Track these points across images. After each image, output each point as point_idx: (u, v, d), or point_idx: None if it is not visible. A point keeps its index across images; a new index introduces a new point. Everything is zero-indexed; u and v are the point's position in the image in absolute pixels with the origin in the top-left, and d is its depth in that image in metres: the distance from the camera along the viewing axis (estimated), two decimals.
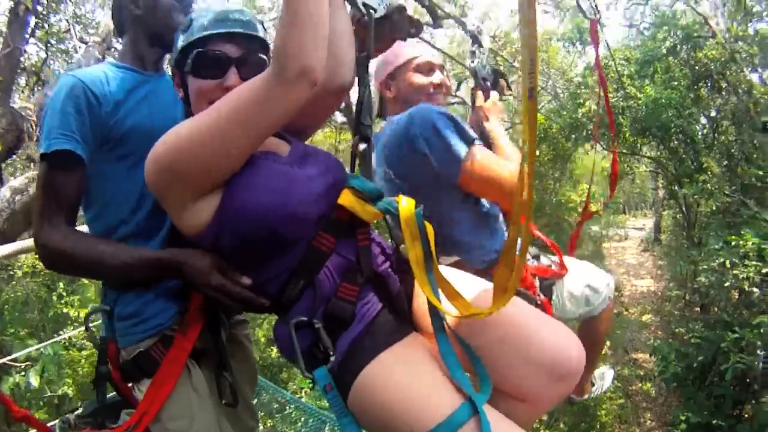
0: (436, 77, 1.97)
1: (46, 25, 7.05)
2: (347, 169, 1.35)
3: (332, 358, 1.16)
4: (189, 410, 1.50)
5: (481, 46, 2.11)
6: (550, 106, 12.98)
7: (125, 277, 1.46)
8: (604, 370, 2.82)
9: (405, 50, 2.00)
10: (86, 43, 6.30)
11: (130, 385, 1.56)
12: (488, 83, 2.05)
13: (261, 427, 3.98)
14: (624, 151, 11.95)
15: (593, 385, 2.69)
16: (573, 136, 10.49)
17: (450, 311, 1.11)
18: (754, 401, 7.10)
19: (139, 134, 1.50)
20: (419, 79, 1.96)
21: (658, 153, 11.67)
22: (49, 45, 7.78)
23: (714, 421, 7.22)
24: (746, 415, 7.39)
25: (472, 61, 2.07)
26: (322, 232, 1.23)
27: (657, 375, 9.19)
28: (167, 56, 1.68)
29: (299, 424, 3.86)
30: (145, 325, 1.50)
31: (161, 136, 1.18)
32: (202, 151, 1.13)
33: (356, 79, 1.40)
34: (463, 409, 1.06)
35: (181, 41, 1.32)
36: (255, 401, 3.92)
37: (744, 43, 8.85)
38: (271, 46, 1.16)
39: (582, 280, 2.18)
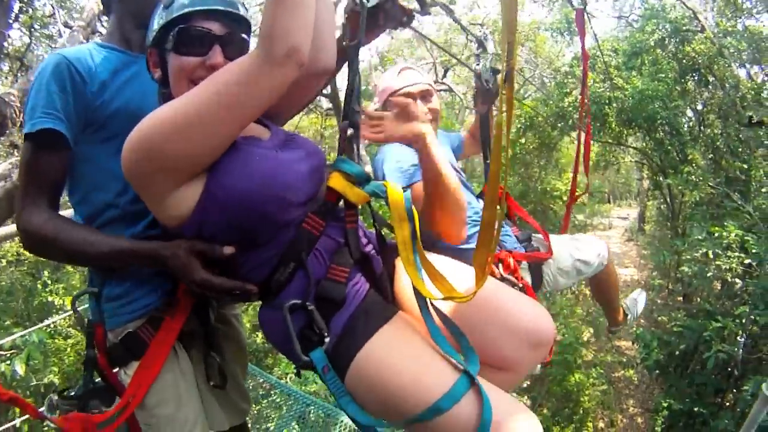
0: (422, 107, 2.05)
1: (30, 10, 6.88)
2: (336, 154, 1.34)
3: (327, 340, 1.17)
4: (176, 395, 1.50)
5: (485, 51, 2.19)
6: (537, 95, 13.02)
7: (104, 266, 1.46)
8: (635, 295, 2.97)
9: (396, 81, 2.12)
10: (70, 27, 6.16)
11: (115, 371, 1.53)
12: (490, 85, 2.13)
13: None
14: (609, 141, 12.07)
15: (626, 314, 2.86)
16: (559, 125, 10.56)
17: (433, 294, 1.16)
18: (735, 390, 7.26)
19: (125, 116, 1.45)
20: None
21: (644, 144, 11.79)
22: (32, 30, 7.62)
23: (696, 409, 7.39)
24: (727, 403, 7.57)
25: (477, 65, 2.15)
26: (312, 215, 1.25)
27: (639, 362, 9.38)
28: None
29: (284, 409, 3.93)
30: (134, 305, 1.48)
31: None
32: (185, 135, 1.09)
33: (347, 65, 1.38)
34: (462, 380, 1.11)
35: (160, 18, 1.26)
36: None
37: (732, 38, 8.93)
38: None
39: (571, 255, 2.30)
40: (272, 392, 4.23)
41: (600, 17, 21.31)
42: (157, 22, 1.27)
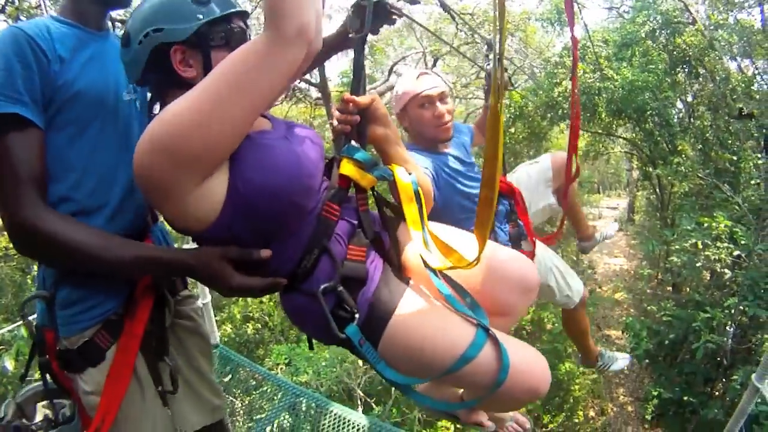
0: (437, 110, 2.19)
1: (16, 1, 6.72)
2: (343, 142, 1.40)
3: (357, 316, 1.24)
4: (141, 406, 1.44)
5: (492, 50, 2.31)
6: (527, 85, 13.05)
7: (117, 272, 1.33)
8: (619, 356, 3.18)
9: (410, 87, 2.22)
10: None
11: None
12: (499, 80, 2.15)
13: (239, 404, 3.95)
14: (599, 131, 12.12)
15: (600, 356, 3.09)
16: (549, 115, 10.60)
17: (440, 264, 1.28)
18: (724, 379, 7.39)
19: (87, 99, 1.35)
20: (423, 114, 2.20)
21: (633, 135, 11.85)
22: (19, 21, 7.46)
23: (685, 397, 7.52)
24: (717, 392, 7.70)
25: (488, 65, 2.34)
26: (328, 202, 1.30)
27: (629, 351, 9.50)
28: (110, 14, 1.54)
29: (276, 400, 3.90)
30: (93, 312, 1.39)
31: (155, 120, 1.07)
32: (206, 124, 1.05)
33: (354, 57, 1.43)
34: (480, 332, 1.24)
35: (198, 14, 1.21)
36: (231, 378, 3.95)
37: (723, 31, 8.96)
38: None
39: (550, 270, 2.54)
40: (264, 383, 4.25)
41: (591, 8, 21.31)
42: (192, 18, 1.21)
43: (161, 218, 1.47)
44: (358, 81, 1.40)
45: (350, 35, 1.44)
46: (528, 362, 1.27)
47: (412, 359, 1.27)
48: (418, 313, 1.28)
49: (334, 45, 1.77)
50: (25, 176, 1.22)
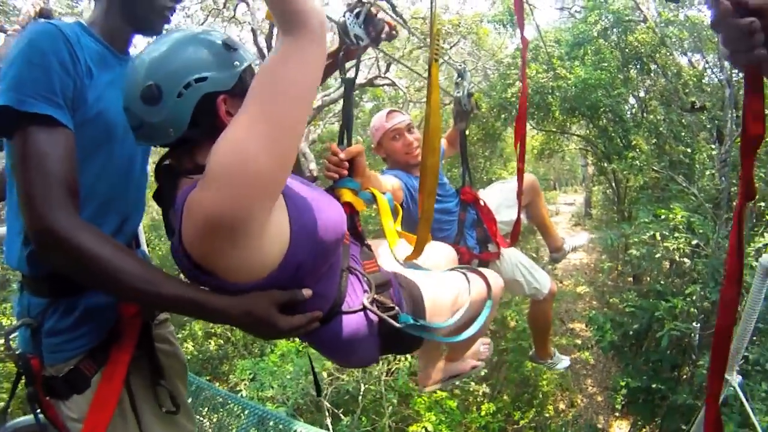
0: (406, 140, 2.64)
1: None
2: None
3: (396, 308, 1.43)
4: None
5: (464, 80, 2.65)
6: (481, 86, 13.22)
7: (152, 306, 1.31)
8: (564, 357, 3.57)
9: (382, 123, 2.67)
10: (5, 31, 5.71)
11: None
12: (467, 107, 2.67)
13: (207, 423, 4.06)
14: (553, 129, 12.37)
15: (553, 356, 3.46)
16: (502, 115, 10.76)
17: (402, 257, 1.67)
18: (691, 364, 7.59)
19: (102, 124, 1.30)
20: (395, 144, 2.66)
21: (588, 131, 12.13)
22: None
23: (654, 385, 7.69)
24: (684, 377, 7.91)
25: (457, 92, 2.67)
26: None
27: (594, 344, 9.67)
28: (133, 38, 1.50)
29: (243, 417, 3.88)
30: (81, 341, 1.36)
31: (218, 149, 0.99)
32: (274, 138, 1.00)
33: (344, 99, 1.70)
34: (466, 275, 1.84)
35: (235, 62, 1.18)
36: (194, 399, 3.89)
37: (674, 27, 9.22)
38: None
39: (516, 267, 2.87)
40: (229, 401, 4.25)
41: (543, 9, 21.82)
42: (231, 65, 1.16)
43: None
44: (347, 130, 1.65)
45: (341, 77, 1.67)
46: (493, 276, 1.91)
47: (450, 309, 1.66)
48: (434, 285, 1.65)
49: (330, 66, 1.85)
50: (57, 181, 1.13)
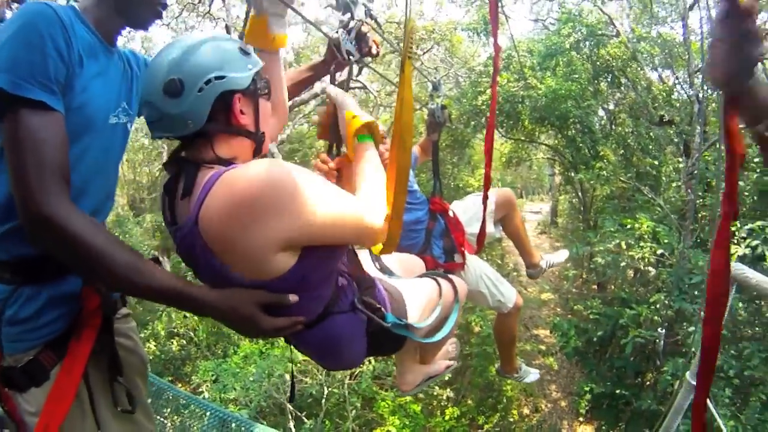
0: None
1: None
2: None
3: (382, 309, 1.49)
4: (81, 430, 1.38)
5: (438, 92, 2.69)
6: (451, 93, 13.34)
7: (139, 296, 1.25)
8: (532, 371, 3.51)
9: None
10: None
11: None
12: (440, 119, 2.70)
13: (170, 425, 4.00)
14: (522, 138, 12.54)
15: (520, 367, 3.38)
16: (472, 122, 10.87)
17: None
18: (654, 370, 7.75)
19: (85, 114, 1.26)
20: None
21: (556, 141, 12.36)
22: None
23: (618, 391, 7.84)
24: (648, 383, 8.08)
25: (432, 105, 2.68)
26: None
27: (558, 350, 9.80)
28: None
29: (205, 418, 3.87)
30: (42, 331, 1.32)
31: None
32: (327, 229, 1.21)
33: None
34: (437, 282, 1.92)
35: (248, 65, 1.26)
36: (157, 400, 3.79)
37: (646, 43, 9.46)
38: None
39: (481, 278, 2.85)
40: (191, 403, 4.14)
41: (517, 19, 22.17)
42: (245, 68, 1.25)
43: None
44: (336, 144, 1.68)
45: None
46: (458, 280, 2.02)
47: (426, 311, 1.75)
48: (410, 288, 1.75)
49: (313, 77, 1.97)
50: (51, 167, 1.12)
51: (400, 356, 2.58)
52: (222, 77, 1.19)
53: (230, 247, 1.14)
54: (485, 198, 2.47)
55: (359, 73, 1.79)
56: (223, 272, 1.17)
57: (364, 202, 1.28)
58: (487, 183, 2.44)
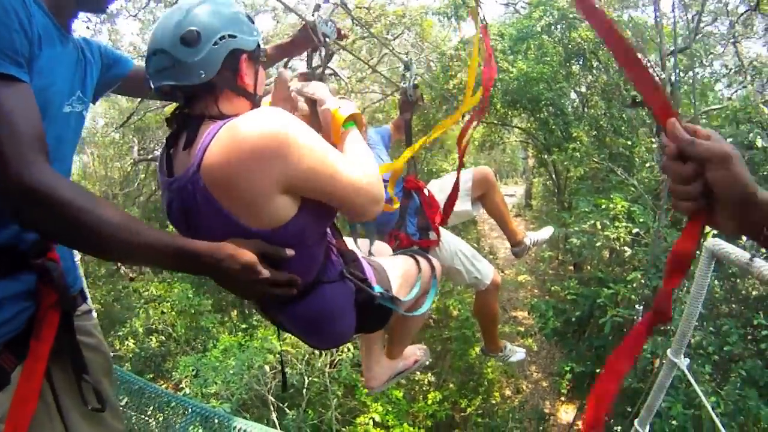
0: None
1: None
2: None
3: (367, 279, 1.57)
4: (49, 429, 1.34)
5: (410, 72, 2.65)
6: (424, 77, 13.28)
7: (136, 260, 1.28)
8: (518, 349, 3.52)
9: None
10: None
11: None
12: (412, 98, 2.67)
13: (153, 422, 3.84)
14: (495, 122, 12.57)
15: (504, 348, 3.41)
16: (444, 107, 10.85)
17: None
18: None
19: (40, 100, 1.17)
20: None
21: (529, 124, 12.42)
22: None
23: (598, 370, 7.94)
24: None
25: (403, 83, 2.65)
26: None
27: (537, 331, 9.92)
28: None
29: (187, 414, 3.81)
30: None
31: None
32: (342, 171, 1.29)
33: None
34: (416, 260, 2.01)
35: (254, 31, 1.35)
36: (139, 398, 3.72)
37: (618, 27, 9.47)
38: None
39: (456, 255, 2.84)
40: (172, 400, 4.09)
41: (488, 4, 22.13)
42: (252, 33, 1.34)
43: None
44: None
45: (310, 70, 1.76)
46: (435, 260, 2.12)
47: (407, 285, 1.84)
48: (391, 264, 1.82)
49: (277, 57, 1.99)
50: (29, 137, 1.05)
51: (368, 349, 2.59)
52: (234, 36, 1.27)
53: (234, 191, 1.17)
54: (460, 166, 2.54)
55: (329, 59, 1.78)
56: (227, 219, 1.20)
57: (362, 169, 1.33)
58: (462, 154, 2.53)
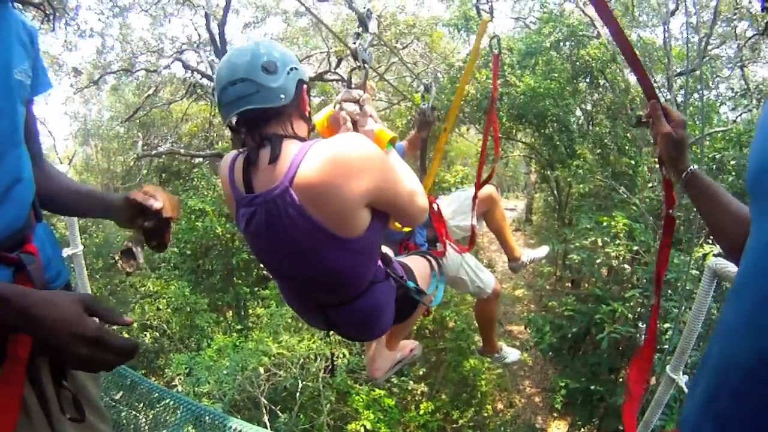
0: None
1: None
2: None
3: (404, 277, 1.82)
4: None
5: (429, 93, 2.77)
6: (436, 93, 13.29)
7: None
8: (512, 350, 3.68)
9: None
10: None
11: None
12: (429, 118, 2.77)
13: (144, 420, 3.75)
14: (499, 136, 12.57)
15: (500, 350, 3.56)
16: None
17: None
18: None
19: None
20: None
21: (533, 139, 12.43)
22: None
23: (592, 387, 7.92)
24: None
25: (424, 105, 2.74)
26: None
27: (533, 345, 9.88)
28: None
29: (179, 412, 3.74)
30: None
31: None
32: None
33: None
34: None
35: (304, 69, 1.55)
36: (130, 394, 3.67)
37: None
38: None
39: (461, 265, 2.94)
40: (164, 396, 4.02)
41: (498, 17, 22.21)
42: (297, 68, 1.51)
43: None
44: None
45: None
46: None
47: (426, 281, 2.05)
48: (412, 263, 2.00)
49: None
50: None
51: (371, 343, 2.75)
52: (296, 68, 1.49)
53: (328, 204, 1.35)
54: (478, 185, 2.71)
55: (337, 65, 2.02)
56: (318, 228, 1.37)
57: (416, 183, 1.55)
58: (479, 183, 2.72)
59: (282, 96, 1.44)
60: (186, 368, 7.86)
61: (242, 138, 1.51)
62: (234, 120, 1.49)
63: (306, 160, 1.33)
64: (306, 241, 1.40)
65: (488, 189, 3.11)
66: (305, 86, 1.54)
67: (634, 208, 7.78)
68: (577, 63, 9.83)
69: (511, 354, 3.64)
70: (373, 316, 1.75)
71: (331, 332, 1.86)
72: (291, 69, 1.47)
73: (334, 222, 1.38)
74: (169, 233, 1.44)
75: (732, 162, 7.23)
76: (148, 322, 9.94)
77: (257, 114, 1.44)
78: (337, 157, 1.32)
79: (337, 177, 1.32)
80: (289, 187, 1.33)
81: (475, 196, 2.82)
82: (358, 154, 1.34)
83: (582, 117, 11.36)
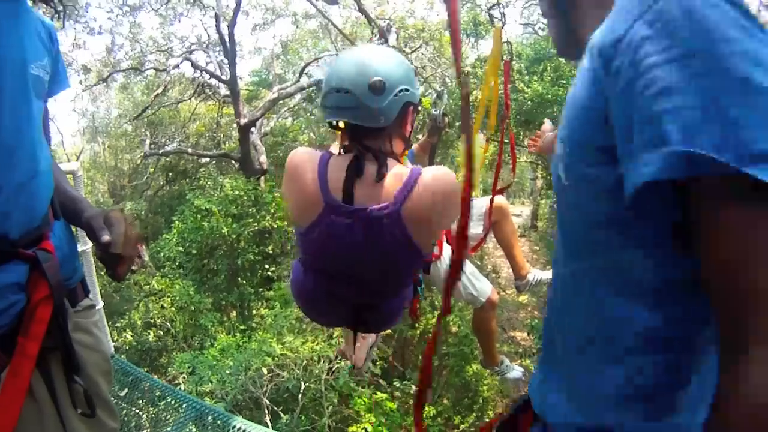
0: None
1: None
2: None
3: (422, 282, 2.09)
4: (38, 430, 1.24)
5: (441, 100, 3.10)
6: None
7: None
8: (516, 367, 3.56)
9: None
10: None
11: None
12: (441, 125, 2.86)
13: (145, 417, 3.84)
14: (506, 141, 12.58)
15: (501, 363, 3.44)
16: (457, 123, 10.88)
17: None
18: None
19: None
20: None
21: None
22: None
23: None
24: None
25: (435, 111, 2.84)
26: None
27: (536, 352, 9.85)
28: None
29: (181, 411, 3.76)
30: None
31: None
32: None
33: None
34: None
35: (418, 87, 1.55)
36: (132, 391, 3.69)
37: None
38: None
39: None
40: (167, 394, 4.04)
41: (508, 23, 22.28)
42: (417, 87, 1.52)
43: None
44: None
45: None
46: None
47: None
48: None
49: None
50: None
51: (351, 336, 2.77)
52: (407, 90, 1.46)
53: (427, 229, 1.49)
54: (494, 193, 2.90)
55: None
56: (411, 244, 1.47)
57: None
58: (495, 190, 2.90)
59: (382, 118, 1.44)
60: (189, 367, 7.89)
61: (344, 142, 1.55)
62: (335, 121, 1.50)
63: (417, 188, 1.41)
64: (395, 254, 1.49)
65: (500, 200, 3.13)
66: (412, 107, 1.54)
67: None
68: None
69: (514, 371, 3.50)
70: (397, 314, 1.88)
71: (334, 335, 2.00)
72: (401, 90, 1.45)
73: (423, 240, 1.50)
74: (125, 266, 1.34)
75: None
76: (152, 321, 9.97)
77: (357, 125, 1.46)
78: (444, 190, 1.42)
79: (443, 210, 1.44)
80: (399, 210, 1.41)
81: (491, 205, 2.84)
82: (454, 188, 1.42)
83: None
